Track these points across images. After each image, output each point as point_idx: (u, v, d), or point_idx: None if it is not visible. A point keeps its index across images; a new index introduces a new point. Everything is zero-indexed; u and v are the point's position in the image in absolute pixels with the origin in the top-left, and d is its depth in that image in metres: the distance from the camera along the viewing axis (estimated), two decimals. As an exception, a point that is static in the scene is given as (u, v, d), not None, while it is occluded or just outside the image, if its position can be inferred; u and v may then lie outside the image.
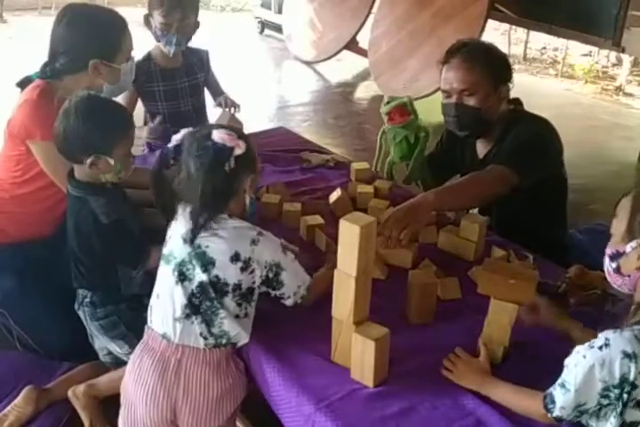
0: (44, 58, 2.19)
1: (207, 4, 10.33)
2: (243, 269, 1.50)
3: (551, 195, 2.22)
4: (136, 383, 1.59)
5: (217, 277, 1.51)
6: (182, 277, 1.54)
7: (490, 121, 2.16)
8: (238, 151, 1.48)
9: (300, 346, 1.59)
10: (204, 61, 2.85)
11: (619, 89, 6.54)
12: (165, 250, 1.60)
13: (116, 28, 2.11)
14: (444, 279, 1.82)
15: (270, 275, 1.54)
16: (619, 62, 7.16)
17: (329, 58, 6.27)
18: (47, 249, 2.16)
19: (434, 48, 5.13)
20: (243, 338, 1.58)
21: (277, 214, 2.17)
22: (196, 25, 2.69)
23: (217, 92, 2.91)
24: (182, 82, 2.74)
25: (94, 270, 1.89)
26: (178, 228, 1.57)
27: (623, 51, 4.54)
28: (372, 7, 5.88)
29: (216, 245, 1.50)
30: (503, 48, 7.38)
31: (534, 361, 1.54)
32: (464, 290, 1.79)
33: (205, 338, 1.54)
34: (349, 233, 1.38)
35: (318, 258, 1.87)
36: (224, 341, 1.55)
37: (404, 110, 2.33)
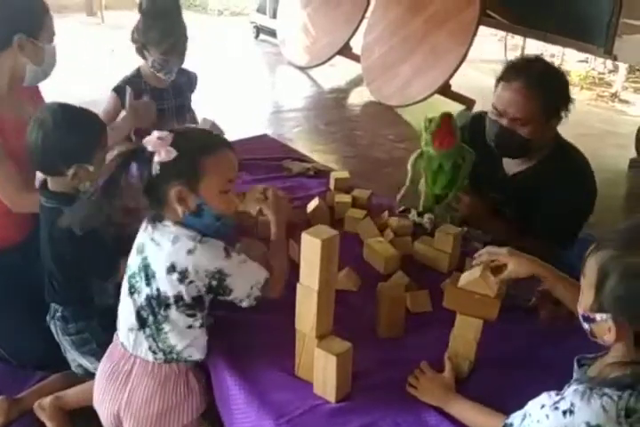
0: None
1: (205, 8, 10.35)
2: (180, 281, 1.44)
3: None
4: (95, 384, 1.63)
5: (158, 289, 1.47)
6: (132, 289, 1.53)
7: (533, 149, 2.08)
8: (157, 158, 1.41)
9: (267, 359, 1.57)
10: (193, 83, 2.84)
11: (614, 96, 6.51)
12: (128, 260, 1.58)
13: (39, 4, 2.08)
14: (415, 292, 1.81)
15: (214, 283, 1.46)
16: (615, 69, 7.14)
17: (322, 63, 6.26)
18: (20, 256, 2.13)
19: (426, 54, 5.13)
20: (195, 353, 1.54)
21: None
22: (186, 40, 2.63)
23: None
24: (169, 102, 2.71)
25: (67, 285, 1.88)
26: (138, 237, 1.55)
27: (615, 59, 4.53)
28: (365, 12, 5.87)
29: (156, 255, 1.47)
30: (499, 54, 7.40)
31: (501, 376, 1.52)
32: (435, 303, 1.77)
33: (154, 353, 1.53)
34: (311, 247, 1.37)
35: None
36: (174, 356, 1.53)
37: (453, 130, 2.02)
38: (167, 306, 1.48)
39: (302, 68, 6.45)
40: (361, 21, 5.88)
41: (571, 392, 1.11)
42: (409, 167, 2.13)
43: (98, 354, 1.85)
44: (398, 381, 1.51)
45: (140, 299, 1.50)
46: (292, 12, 6.54)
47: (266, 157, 2.70)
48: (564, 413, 1.09)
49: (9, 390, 2.08)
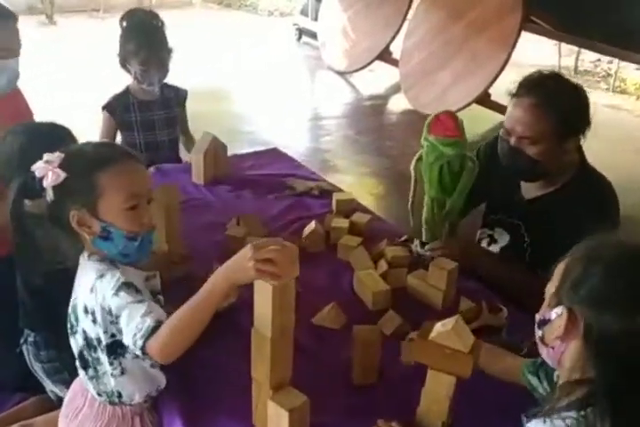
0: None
1: (255, 8, 10.36)
2: (93, 322, 1.32)
3: None
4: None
5: (84, 331, 1.37)
6: (72, 329, 1.42)
7: (547, 172, 1.92)
8: (46, 182, 1.29)
9: (222, 405, 1.45)
10: (181, 98, 2.88)
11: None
12: None
13: None
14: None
15: (112, 326, 1.30)
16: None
17: (361, 68, 6.13)
18: (3, 273, 2.08)
19: (466, 61, 4.94)
20: (136, 397, 1.43)
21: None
22: (170, 53, 2.71)
23: (184, 130, 2.94)
24: (159, 114, 2.78)
25: (37, 311, 1.82)
26: None
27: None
28: (406, 16, 5.70)
29: (76, 293, 1.37)
30: (553, 59, 7.11)
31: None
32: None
33: (99, 394, 1.43)
34: (263, 291, 1.24)
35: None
36: (116, 400, 1.42)
37: (455, 124, 1.90)
38: (94, 348, 1.37)
39: (341, 73, 6.32)
40: (402, 25, 5.72)
41: (532, 423, 1.05)
42: (411, 171, 2.00)
43: (69, 383, 1.76)
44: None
45: (80, 339, 1.40)
46: (333, 14, 6.42)
47: (271, 174, 2.60)
48: None
49: (-15, 411, 2.03)
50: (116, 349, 1.35)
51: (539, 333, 1.14)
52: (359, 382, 1.56)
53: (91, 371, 1.41)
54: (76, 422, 1.47)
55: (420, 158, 1.98)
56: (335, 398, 1.50)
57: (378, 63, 6.09)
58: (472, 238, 2.07)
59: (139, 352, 1.24)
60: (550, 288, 1.13)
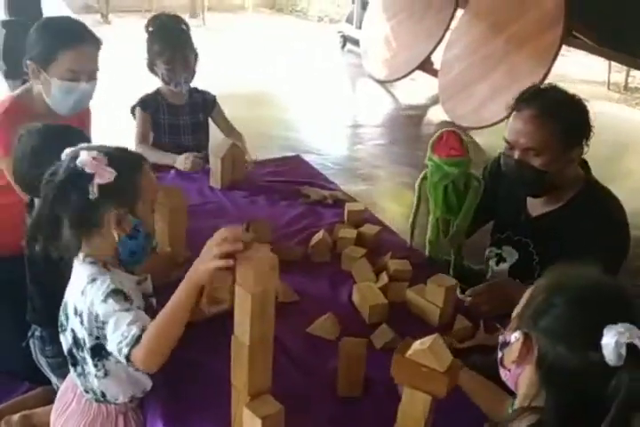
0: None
1: (306, 14, 10.43)
2: (81, 324, 1.35)
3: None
4: None
5: (72, 330, 1.41)
6: (62, 327, 1.47)
7: (553, 184, 1.91)
8: (99, 180, 1.32)
9: (205, 409, 1.47)
10: (208, 103, 2.92)
11: None
12: None
13: (62, 38, 2.08)
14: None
15: (98, 331, 1.32)
16: None
17: (400, 78, 6.12)
18: (21, 267, 2.14)
19: (504, 75, 4.89)
20: (120, 396, 1.45)
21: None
22: (196, 56, 2.79)
23: (227, 129, 2.96)
24: (184, 119, 2.84)
25: (44, 306, 1.86)
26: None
27: None
28: (448, 27, 5.67)
29: (68, 294, 1.41)
30: (603, 75, 6.96)
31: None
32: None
33: (86, 391, 1.47)
34: (242, 299, 1.26)
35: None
36: (101, 398, 1.46)
37: (460, 144, 1.92)
38: (81, 348, 1.41)
39: (381, 82, 6.32)
40: (443, 36, 5.69)
41: None
42: (416, 189, 2.05)
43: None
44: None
45: (69, 337, 1.44)
46: (377, 23, 6.43)
47: (288, 181, 2.62)
48: None
49: (-7, 398, 2.10)
50: (99, 351, 1.38)
51: (499, 354, 1.15)
52: (344, 394, 1.56)
53: (79, 368, 1.45)
54: (64, 416, 1.52)
55: (425, 177, 1.99)
56: (319, 409, 1.51)
57: (420, 73, 6.07)
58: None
59: (123, 360, 1.27)
60: (516, 311, 1.12)
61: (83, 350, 1.40)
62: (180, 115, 2.82)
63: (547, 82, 4.63)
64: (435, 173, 1.95)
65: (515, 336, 1.09)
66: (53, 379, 1.95)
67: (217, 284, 1.68)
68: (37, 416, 1.94)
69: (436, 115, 5.63)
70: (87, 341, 1.37)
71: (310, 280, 2.01)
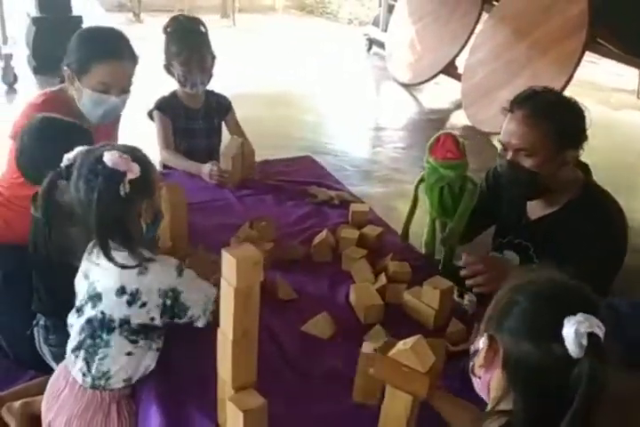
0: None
1: (336, 16, 10.44)
2: (130, 303, 1.43)
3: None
4: None
5: (102, 312, 1.45)
6: (80, 312, 1.51)
7: (546, 186, 1.91)
8: (131, 175, 1.41)
9: (197, 399, 1.49)
10: (223, 107, 2.92)
11: None
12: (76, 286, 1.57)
13: (98, 51, 2.13)
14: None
15: (168, 302, 1.45)
16: None
17: (424, 82, 6.10)
18: (25, 259, 2.18)
19: (527, 81, 4.84)
20: (122, 382, 1.50)
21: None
22: (213, 58, 2.77)
23: (237, 135, 2.88)
24: (199, 123, 2.83)
25: (48, 296, 1.90)
26: (82, 263, 1.54)
27: None
28: (473, 31, 5.65)
29: (103, 278, 1.45)
30: (633, 83, 6.86)
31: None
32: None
33: (84, 375, 1.50)
34: (227, 294, 1.28)
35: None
36: (102, 383, 1.49)
37: (456, 146, 1.93)
38: (111, 330, 1.45)
39: (406, 85, 6.31)
40: (467, 41, 5.67)
41: None
42: (412, 190, 2.09)
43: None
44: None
45: (81, 321, 1.49)
46: (402, 26, 6.43)
47: (296, 181, 2.64)
48: None
49: (-1, 383, 2.15)
50: (139, 331, 1.47)
51: (470, 364, 1.15)
52: (359, 400, 1.54)
53: (83, 352, 1.50)
54: (57, 404, 1.56)
55: (422, 179, 2.01)
56: (307, 407, 1.52)
57: (445, 77, 6.05)
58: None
59: (210, 318, 1.50)
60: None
61: (110, 332, 1.45)
62: (195, 119, 2.81)
63: (572, 89, 4.64)
64: (431, 175, 1.97)
65: (482, 341, 1.09)
66: (55, 367, 1.99)
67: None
68: (38, 404, 1.97)
69: (459, 119, 5.60)
70: (133, 320, 1.44)
71: (310, 279, 2.02)
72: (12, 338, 2.23)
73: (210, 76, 2.77)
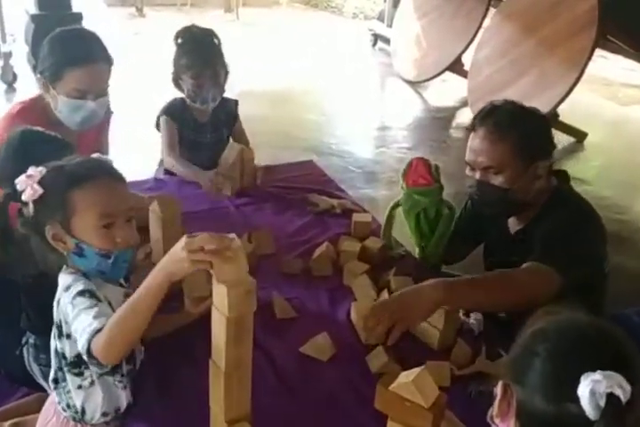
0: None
1: (341, 10, 10.34)
2: (59, 336, 1.34)
3: (587, 294, 1.80)
4: None
5: (56, 344, 1.38)
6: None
7: (521, 201, 1.85)
8: (24, 197, 1.31)
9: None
10: (231, 114, 2.77)
11: None
12: None
13: (69, 56, 2.06)
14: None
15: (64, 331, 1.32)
16: None
17: (429, 79, 6.00)
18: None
19: (534, 79, 4.76)
20: (97, 416, 1.41)
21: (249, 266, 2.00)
22: (227, 73, 2.61)
23: (242, 143, 2.72)
24: (207, 137, 2.69)
25: (38, 316, 1.83)
26: None
27: None
28: (479, 27, 5.53)
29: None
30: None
31: None
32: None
33: (63, 409, 1.43)
34: (218, 323, 1.21)
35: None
36: (78, 417, 1.41)
37: (428, 171, 1.97)
38: (61, 362, 1.38)
39: (411, 83, 6.20)
40: (474, 37, 5.56)
41: None
42: (385, 215, 2.11)
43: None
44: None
45: (53, 351, 1.41)
46: (408, 22, 6.32)
47: (297, 187, 2.56)
48: None
49: (-12, 401, 2.08)
50: (79, 363, 1.35)
51: (490, 409, 1.05)
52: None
53: (53, 384, 1.43)
54: None
55: (395, 205, 2.05)
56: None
57: (451, 74, 5.94)
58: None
59: (85, 355, 1.21)
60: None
61: (65, 364, 1.37)
62: (203, 132, 2.68)
63: (580, 84, 4.54)
64: (406, 201, 1.99)
65: (499, 388, 1.01)
66: (46, 386, 1.93)
67: (190, 284, 1.66)
68: (28, 424, 1.91)
69: (463, 118, 5.50)
70: (67, 353, 1.34)
71: (310, 295, 1.95)
72: (3, 355, 2.16)
73: (222, 90, 2.61)
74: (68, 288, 1.31)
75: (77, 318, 1.24)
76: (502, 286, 1.72)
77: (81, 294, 1.27)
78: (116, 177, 1.38)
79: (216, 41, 2.57)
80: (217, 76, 2.54)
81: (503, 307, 1.76)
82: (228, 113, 2.75)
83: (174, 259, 1.14)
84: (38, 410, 1.98)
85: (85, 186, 1.32)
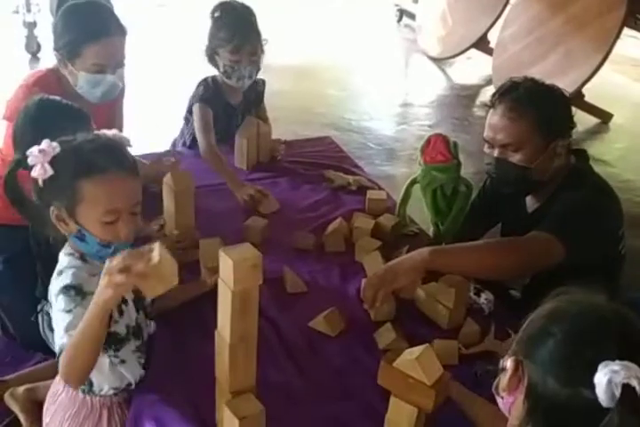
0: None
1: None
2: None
3: (601, 275, 1.78)
4: None
5: None
6: None
7: (538, 180, 1.84)
8: (33, 173, 1.28)
9: (191, 408, 1.43)
10: (260, 95, 2.70)
11: None
12: None
13: (86, 32, 2.06)
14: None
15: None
16: None
17: (453, 56, 5.89)
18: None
19: (560, 58, 4.66)
20: (105, 387, 1.43)
21: (262, 241, 2.01)
22: (263, 52, 2.51)
23: (262, 119, 2.66)
24: (237, 120, 2.58)
25: (49, 281, 1.86)
26: None
27: None
28: (507, 4, 5.41)
29: None
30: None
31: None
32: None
33: None
34: (224, 296, 1.22)
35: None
36: (87, 389, 1.43)
37: (447, 148, 1.95)
38: None
39: (435, 60, 6.11)
40: (501, 14, 5.43)
41: None
42: (402, 191, 2.10)
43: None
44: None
45: None
46: (434, -2, 6.19)
47: (314, 163, 2.56)
48: None
49: (4, 367, 2.12)
50: None
51: (496, 380, 1.05)
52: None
53: None
54: (55, 406, 1.51)
55: (413, 181, 2.03)
56: (308, 407, 1.47)
57: (476, 51, 5.82)
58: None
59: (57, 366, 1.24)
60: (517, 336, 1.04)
61: None
62: (235, 115, 2.58)
63: (607, 64, 4.45)
64: (423, 177, 1.98)
65: (509, 363, 1.00)
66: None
67: (206, 254, 1.66)
68: (41, 390, 1.95)
69: (488, 96, 5.39)
70: None
71: (321, 270, 1.96)
72: (18, 321, 2.21)
73: (258, 69, 2.51)
74: (60, 273, 1.32)
75: (56, 318, 1.27)
76: (495, 249, 1.73)
77: (66, 290, 1.27)
78: (127, 170, 1.35)
79: (253, 17, 2.49)
80: (255, 53, 2.45)
81: (495, 271, 1.72)
82: (257, 93, 2.68)
83: (100, 288, 1.14)
84: (53, 376, 2.01)
85: (95, 178, 1.30)
